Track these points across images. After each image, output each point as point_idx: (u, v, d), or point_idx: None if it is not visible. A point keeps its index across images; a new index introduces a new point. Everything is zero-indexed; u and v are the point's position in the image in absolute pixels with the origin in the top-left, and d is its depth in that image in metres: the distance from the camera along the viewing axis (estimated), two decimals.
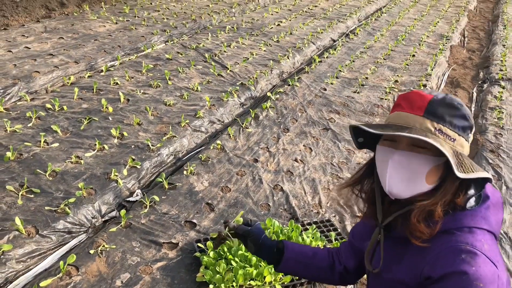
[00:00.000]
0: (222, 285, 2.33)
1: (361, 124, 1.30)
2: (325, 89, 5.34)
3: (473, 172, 1.17)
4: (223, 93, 4.61)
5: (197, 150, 3.79)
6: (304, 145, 4.02)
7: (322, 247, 2.28)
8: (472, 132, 1.29)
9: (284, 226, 2.88)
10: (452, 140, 1.21)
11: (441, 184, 1.24)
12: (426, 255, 1.21)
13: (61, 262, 2.37)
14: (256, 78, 5.22)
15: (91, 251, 2.53)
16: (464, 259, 1.11)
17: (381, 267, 1.37)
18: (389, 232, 1.37)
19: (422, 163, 1.22)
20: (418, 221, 1.21)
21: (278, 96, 4.89)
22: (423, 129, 1.21)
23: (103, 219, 2.93)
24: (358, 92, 5.37)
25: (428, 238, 1.21)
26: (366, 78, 5.88)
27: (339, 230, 2.96)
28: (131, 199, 3.11)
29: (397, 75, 6.11)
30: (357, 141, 1.45)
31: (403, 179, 1.24)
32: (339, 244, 2.75)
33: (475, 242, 1.16)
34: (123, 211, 2.81)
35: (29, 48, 5.03)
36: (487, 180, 1.23)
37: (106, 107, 3.93)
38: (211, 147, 3.70)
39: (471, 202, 1.24)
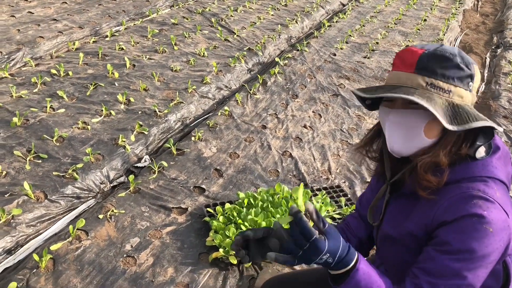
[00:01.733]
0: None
1: (357, 89, 1.29)
2: (334, 54, 5.22)
3: (468, 122, 1.13)
4: (230, 59, 4.52)
5: (205, 116, 3.74)
6: (313, 111, 3.95)
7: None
8: (475, 80, 1.24)
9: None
10: (447, 92, 1.18)
11: (443, 136, 1.22)
12: (436, 205, 1.21)
13: (71, 227, 2.37)
14: (263, 43, 5.10)
15: (100, 216, 2.53)
16: (476, 203, 1.12)
17: (386, 222, 1.39)
18: (398, 190, 1.38)
19: (417, 119, 1.20)
20: (425, 171, 1.21)
21: (286, 61, 4.78)
22: (414, 86, 1.19)
23: (111, 185, 2.92)
24: (368, 57, 5.24)
25: (436, 190, 1.20)
26: (377, 43, 5.74)
27: (349, 195, 2.94)
28: (139, 164, 3.09)
29: (408, 40, 5.95)
30: (366, 103, 1.44)
31: (401, 136, 1.24)
32: (349, 210, 2.73)
33: (487, 189, 1.15)
34: (131, 176, 2.79)
35: (33, 13, 4.93)
36: (493, 129, 1.19)
37: (112, 73, 3.86)
38: (219, 114, 3.65)
39: (481, 152, 1.22)
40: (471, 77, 1.23)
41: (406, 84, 1.20)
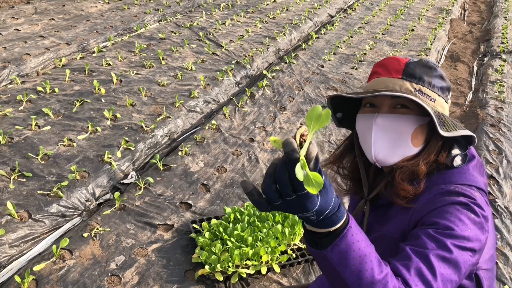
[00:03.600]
0: (218, 265, 2.30)
1: (341, 93, 1.28)
2: (322, 66, 5.24)
3: (456, 130, 1.16)
4: (218, 72, 4.53)
5: (193, 130, 3.73)
6: (301, 123, 3.94)
7: None
8: (450, 94, 1.29)
9: None
10: (433, 100, 1.21)
11: (426, 146, 1.23)
12: (413, 208, 1.19)
13: (54, 246, 2.34)
14: (251, 56, 5.12)
15: (85, 235, 2.50)
16: (456, 197, 1.11)
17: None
18: (374, 202, 1.36)
19: (406, 124, 1.20)
20: (402, 179, 1.20)
21: (274, 74, 4.80)
22: (403, 91, 1.20)
23: (97, 202, 2.89)
24: (356, 68, 5.27)
25: (413, 198, 1.19)
26: (365, 54, 5.77)
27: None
28: (125, 181, 3.06)
29: (396, 50, 5.99)
30: (336, 117, 1.43)
31: (388, 143, 1.23)
32: None
33: (467, 189, 1.15)
34: (117, 194, 2.76)
35: (19, 30, 4.92)
36: (471, 138, 1.22)
37: (98, 89, 3.85)
38: (206, 127, 3.63)
39: (458, 161, 1.22)
40: (449, 89, 1.28)
41: (394, 89, 1.20)
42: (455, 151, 1.23)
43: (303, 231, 1.00)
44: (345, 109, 1.41)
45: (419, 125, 1.22)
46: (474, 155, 1.28)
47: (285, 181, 0.80)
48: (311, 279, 2.43)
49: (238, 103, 4.07)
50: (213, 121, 3.69)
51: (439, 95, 1.23)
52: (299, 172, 0.79)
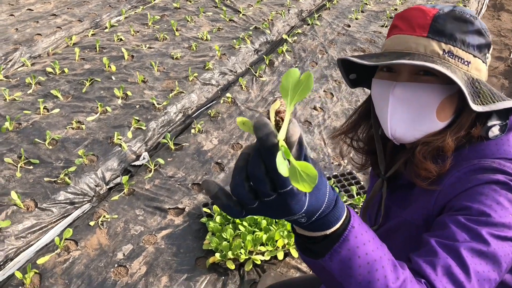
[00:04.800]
0: (230, 252, 2.12)
1: (350, 56, 1.01)
2: (349, 26, 4.85)
3: (493, 102, 0.93)
4: (235, 40, 4.25)
5: (208, 105, 3.51)
6: (324, 91, 3.65)
7: None
8: (490, 51, 1.03)
9: None
10: (466, 63, 0.97)
11: (455, 119, 1.00)
12: (438, 189, 0.97)
13: (56, 238, 2.22)
14: (271, 20, 4.79)
15: (91, 223, 2.38)
16: (492, 174, 0.90)
17: (382, 223, 1.15)
18: (392, 182, 1.15)
19: (430, 95, 0.96)
20: (424, 157, 0.98)
21: (295, 38, 4.47)
22: (428, 54, 0.96)
23: (107, 187, 2.76)
24: (386, 26, 4.84)
25: (436, 178, 0.97)
26: (395, 9, 5.30)
27: (362, 182, 2.66)
28: (137, 163, 2.91)
29: (431, 3, 5.47)
30: (349, 78, 1.19)
31: (408, 118, 1.00)
32: (361, 200, 2.46)
33: (505, 164, 0.93)
34: (125, 178, 2.61)
35: (32, 10, 4.80)
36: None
37: (108, 66, 3.68)
38: (221, 101, 3.41)
39: (495, 131, 0.98)
40: (489, 46, 1.02)
41: (418, 51, 0.97)
42: (493, 121, 0.99)
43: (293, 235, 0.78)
44: (360, 69, 1.17)
45: (447, 96, 0.97)
46: None
47: (261, 177, 0.59)
48: None
49: (256, 72, 3.80)
50: (228, 94, 3.46)
51: (475, 56, 0.98)
52: (282, 165, 0.57)
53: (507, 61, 4.32)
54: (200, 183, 2.67)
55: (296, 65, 4.00)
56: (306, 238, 0.73)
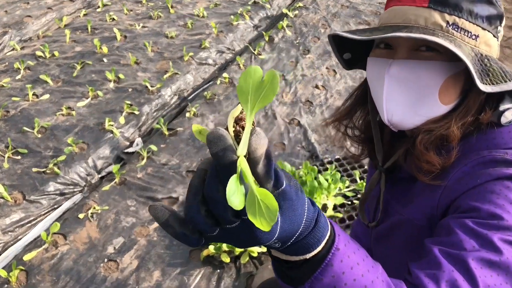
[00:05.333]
0: (224, 244, 2.00)
1: (342, 31, 0.88)
2: None
3: (505, 82, 0.80)
4: (232, 16, 4.05)
5: (205, 86, 3.35)
6: (327, 68, 3.47)
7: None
8: (503, 24, 0.88)
9: (300, 167, 2.47)
10: (474, 37, 0.84)
11: (462, 101, 0.87)
12: (443, 185, 0.85)
13: (43, 233, 2.12)
14: None
15: (81, 216, 2.27)
16: (504, 167, 0.78)
17: (381, 219, 1.04)
18: (392, 174, 1.03)
19: (432, 74, 0.83)
20: (426, 147, 0.86)
21: (296, 12, 4.25)
22: (429, 27, 0.83)
23: (99, 176, 2.64)
24: None
25: (440, 172, 0.85)
26: None
27: (366, 166, 2.52)
28: (130, 150, 2.78)
29: None
30: (343, 58, 1.05)
31: (406, 100, 0.87)
32: (364, 184, 2.32)
33: None
34: (115, 167, 2.49)
35: None
36: None
37: (100, 48, 3.53)
38: (218, 82, 3.25)
39: (508, 116, 0.85)
40: (501, 18, 0.88)
41: (418, 23, 0.84)
42: (506, 105, 0.85)
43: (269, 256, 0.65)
44: (355, 47, 1.03)
45: (451, 75, 0.84)
46: None
47: (220, 200, 0.49)
48: None
49: (255, 50, 3.62)
50: (225, 74, 3.29)
51: (484, 29, 0.85)
52: (234, 196, 0.46)
53: None
54: (194, 170, 2.54)
55: (297, 41, 3.80)
56: (283, 261, 0.61)
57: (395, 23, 0.88)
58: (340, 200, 2.23)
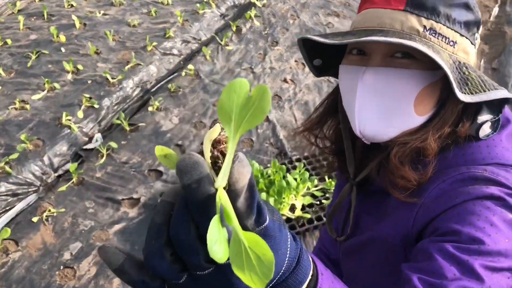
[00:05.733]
0: None
1: (312, 35, 0.82)
2: None
3: (483, 91, 0.75)
4: (198, 4, 3.90)
5: (169, 77, 3.22)
6: (295, 60, 3.39)
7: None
8: (480, 31, 0.83)
9: (269, 166, 2.40)
10: (452, 43, 0.79)
11: (438, 112, 0.81)
12: (418, 203, 0.79)
13: None
14: None
15: (35, 219, 2.13)
16: (485, 186, 0.73)
17: (350, 233, 0.98)
18: (362, 186, 0.96)
19: (408, 83, 0.78)
20: (401, 161, 0.80)
21: (265, 1, 4.14)
22: (405, 31, 0.77)
23: (56, 174, 2.49)
24: None
25: (416, 188, 0.79)
26: None
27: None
28: (89, 146, 2.64)
29: None
30: (313, 64, 0.97)
31: (380, 111, 0.81)
32: (333, 183, 2.27)
33: (498, 172, 0.76)
34: (73, 165, 2.35)
35: None
36: (506, 100, 0.79)
37: (57, 36, 3.32)
38: (183, 74, 3.12)
39: (486, 129, 0.80)
40: (478, 24, 0.83)
41: (393, 27, 0.78)
42: (483, 116, 0.80)
43: None
44: (326, 53, 0.96)
45: (428, 84, 0.78)
46: (509, 118, 0.85)
47: (190, 242, 0.41)
48: None
49: (222, 40, 3.50)
50: (191, 66, 3.17)
51: (462, 35, 0.79)
52: (216, 245, 0.38)
53: (487, 24, 4.11)
54: (161, 169, 2.43)
55: (266, 32, 3.70)
56: None
57: (369, 26, 0.81)
58: (308, 199, 2.18)
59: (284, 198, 2.11)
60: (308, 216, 2.13)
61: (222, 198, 0.39)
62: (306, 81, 3.16)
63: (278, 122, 2.77)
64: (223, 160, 0.42)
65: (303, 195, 2.21)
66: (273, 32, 3.70)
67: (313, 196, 2.24)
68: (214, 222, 0.38)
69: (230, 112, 0.41)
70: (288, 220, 2.12)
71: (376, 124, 0.81)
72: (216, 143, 0.43)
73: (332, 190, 2.27)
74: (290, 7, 4.10)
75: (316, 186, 2.28)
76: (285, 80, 3.15)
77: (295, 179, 2.20)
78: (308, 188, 2.25)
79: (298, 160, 2.47)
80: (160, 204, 0.44)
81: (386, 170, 0.84)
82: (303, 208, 2.18)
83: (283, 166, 2.27)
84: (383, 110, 0.80)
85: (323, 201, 2.21)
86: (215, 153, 0.43)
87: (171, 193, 0.44)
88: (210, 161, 0.42)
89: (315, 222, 2.11)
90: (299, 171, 2.27)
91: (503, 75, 3.26)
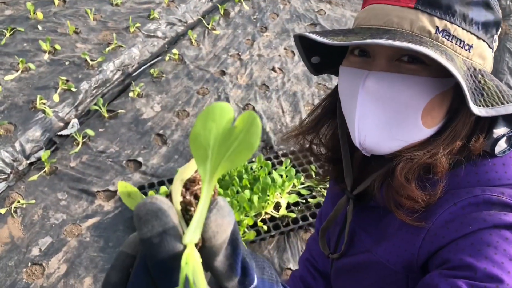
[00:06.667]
0: None
1: (309, 32, 0.72)
2: None
3: (501, 104, 0.65)
4: None
5: (152, 61, 3.06)
6: (285, 48, 3.26)
7: None
8: (499, 32, 0.75)
9: (254, 160, 2.29)
10: (467, 47, 0.69)
11: (447, 123, 0.72)
12: (425, 227, 0.71)
13: None
14: None
15: (2, 211, 1.99)
16: (501, 212, 0.64)
17: (345, 251, 0.90)
18: (360, 200, 0.88)
19: (416, 92, 0.69)
20: (408, 179, 0.71)
21: None
22: (415, 32, 0.68)
23: (28, 161, 2.35)
24: None
25: (423, 210, 0.70)
26: None
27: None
28: (64, 132, 2.49)
29: None
30: (311, 62, 0.88)
31: (383, 121, 0.72)
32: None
33: None
34: (45, 153, 2.21)
35: None
36: None
37: (34, 13, 3.13)
38: (167, 58, 2.97)
39: (502, 144, 0.71)
40: (498, 25, 0.73)
41: (401, 27, 0.69)
42: (500, 129, 0.71)
43: None
44: (325, 50, 0.86)
45: (438, 93, 0.69)
46: None
47: None
48: (285, 258, 1.95)
49: (209, 24, 3.34)
50: (175, 50, 3.01)
51: (479, 37, 0.70)
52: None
53: None
54: (141, 159, 2.30)
55: (255, 16, 3.55)
56: None
57: (374, 25, 0.72)
58: (294, 198, 2.08)
59: (268, 195, 2.01)
60: (294, 215, 2.03)
61: (190, 261, 0.31)
62: (295, 71, 3.04)
63: (265, 113, 2.66)
64: (197, 207, 0.33)
65: (289, 193, 2.12)
66: (262, 17, 3.55)
67: (299, 194, 2.15)
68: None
69: (207, 146, 0.33)
70: (273, 219, 2.03)
71: (378, 136, 0.73)
72: (190, 183, 0.35)
73: (319, 188, 2.18)
74: None
75: (302, 183, 2.18)
76: (273, 69, 3.03)
77: (281, 176, 2.10)
78: (294, 186, 2.15)
79: (285, 155, 2.37)
80: (117, 256, 0.36)
81: (390, 188, 0.75)
82: (288, 206, 2.09)
83: (269, 162, 2.16)
84: (387, 120, 0.71)
85: (310, 199, 2.12)
86: (187, 196, 0.35)
87: (131, 244, 0.36)
88: (180, 207, 0.34)
89: (301, 222, 2.02)
90: (285, 168, 2.17)
91: (497, 71, 3.18)
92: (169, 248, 0.32)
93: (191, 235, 0.32)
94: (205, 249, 0.34)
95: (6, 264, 1.82)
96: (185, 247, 0.32)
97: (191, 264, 0.31)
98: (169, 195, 0.35)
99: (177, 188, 0.35)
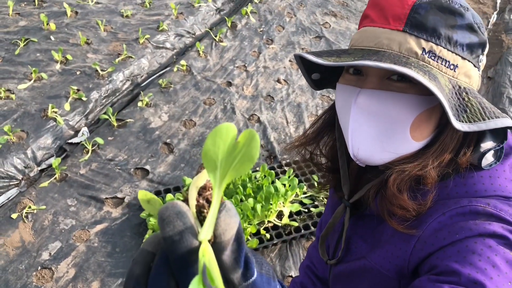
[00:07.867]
0: None
1: (306, 52, 0.79)
2: None
3: (483, 120, 0.71)
4: None
5: (161, 72, 3.14)
6: (290, 60, 3.33)
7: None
8: (485, 52, 0.81)
9: (258, 169, 2.35)
10: (452, 67, 0.75)
11: (437, 137, 0.78)
12: (416, 235, 0.76)
13: None
14: None
15: (14, 216, 2.06)
16: (487, 222, 0.69)
17: (342, 257, 0.96)
18: (356, 209, 0.94)
19: (403, 108, 0.74)
20: (400, 190, 0.76)
21: None
22: (403, 53, 0.74)
23: (39, 168, 2.42)
24: None
25: (414, 218, 0.76)
26: None
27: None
28: (74, 140, 2.56)
29: None
30: (311, 78, 0.94)
31: (374, 135, 0.78)
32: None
33: (503, 206, 0.72)
34: (56, 161, 2.28)
35: None
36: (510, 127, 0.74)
37: (47, 24, 3.23)
38: (175, 69, 3.05)
39: (489, 158, 0.77)
40: (483, 46, 0.79)
41: (391, 48, 0.75)
42: (487, 143, 0.77)
43: None
44: (325, 67, 0.93)
45: (425, 110, 0.74)
46: None
47: None
48: (287, 266, 2.00)
49: (216, 36, 3.42)
50: (183, 61, 3.09)
51: (464, 58, 0.75)
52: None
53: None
54: (148, 167, 2.37)
55: (261, 29, 3.63)
56: None
57: (366, 46, 0.78)
58: (296, 207, 2.13)
59: (271, 204, 2.06)
60: (296, 224, 2.08)
61: (206, 254, 0.37)
62: (300, 82, 3.10)
63: (269, 123, 2.72)
64: (209, 211, 0.40)
65: (291, 202, 2.17)
66: (268, 30, 3.63)
67: (301, 203, 2.20)
68: (195, 282, 0.35)
69: (216, 159, 0.39)
70: (275, 227, 2.08)
71: (370, 148, 0.78)
72: (202, 190, 0.42)
73: (321, 198, 2.23)
74: (287, 4, 4.03)
75: (305, 193, 2.23)
76: (278, 80, 3.10)
77: (284, 185, 2.16)
78: (297, 195, 2.20)
79: (288, 164, 2.42)
80: (139, 253, 0.41)
81: (384, 197, 0.80)
82: (290, 215, 2.14)
83: (272, 171, 2.22)
84: (377, 134, 0.77)
85: (312, 209, 2.17)
86: (201, 201, 0.41)
87: (152, 242, 0.42)
88: (195, 210, 0.40)
89: (303, 230, 2.07)
90: (288, 177, 2.23)
91: (499, 84, 3.23)
92: (188, 244, 0.38)
93: (205, 233, 0.38)
94: (215, 244, 0.39)
95: (17, 267, 1.88)
96: (200, 243, 0.38)
97: (207, 256, 0.37)
98: (185, 200, 0.41)
99: (192, 194, 0.41)
